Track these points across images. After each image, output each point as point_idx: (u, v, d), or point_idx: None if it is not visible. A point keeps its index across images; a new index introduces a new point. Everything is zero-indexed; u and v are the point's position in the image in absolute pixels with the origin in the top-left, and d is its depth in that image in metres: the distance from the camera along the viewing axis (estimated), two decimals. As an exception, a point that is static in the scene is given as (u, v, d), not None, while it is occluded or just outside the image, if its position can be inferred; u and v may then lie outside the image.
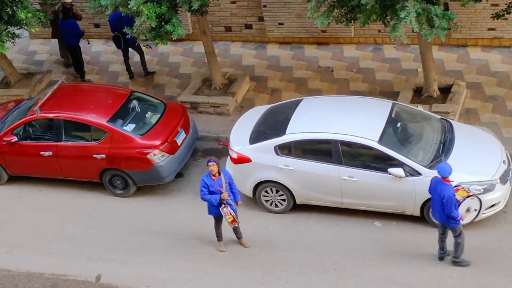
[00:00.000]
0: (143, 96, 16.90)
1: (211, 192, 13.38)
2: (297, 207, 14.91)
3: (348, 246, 14.00)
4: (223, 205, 13.43)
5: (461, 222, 12.62)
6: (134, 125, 15.83)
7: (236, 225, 13.73)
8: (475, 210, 12.92)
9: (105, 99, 16.41)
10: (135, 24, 15.38)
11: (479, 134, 14.85)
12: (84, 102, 16.33)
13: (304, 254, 13.96)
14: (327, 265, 13.64)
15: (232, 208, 13.54)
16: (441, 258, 13.30)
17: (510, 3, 15.55)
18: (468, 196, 12.56)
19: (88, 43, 20.35)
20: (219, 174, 13.39)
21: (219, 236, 14.13)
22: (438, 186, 12.44)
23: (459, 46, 18.81)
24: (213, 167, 13.26)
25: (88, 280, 14.03)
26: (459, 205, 12.44)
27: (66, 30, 19.65)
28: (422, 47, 16.31)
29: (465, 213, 12.64)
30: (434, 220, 13.34)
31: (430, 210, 13.27)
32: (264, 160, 14.56)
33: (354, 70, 18.82)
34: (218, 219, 13.84)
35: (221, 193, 13.36)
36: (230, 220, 13.49)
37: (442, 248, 13.19)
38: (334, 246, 14.05)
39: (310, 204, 14.77)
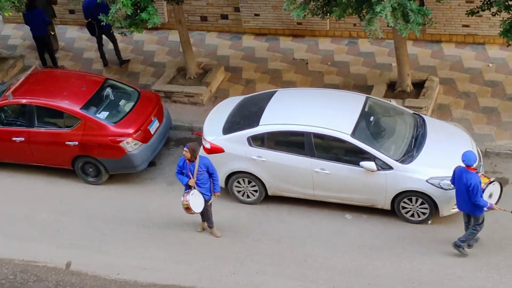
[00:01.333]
0: (117, 84, 16.83)
1: (182, 173, 13.56)
2: (269, 199, 14.94)
3: (319, 238, 14.07)
4: (188, 190, 13.50)
5: (494, 208, 12.60)
6: (107, 112, 15.76)
7: (192, 213, 13.70)
8: (496, 195, 12.92)
9: (78, 86, 16.29)
10: (111, 11, 15.30)
11: (451, 130, 14.97)
12: (57, 88, 16.21)
13: (275, 245, 14.01)
14: (298, 257, 13.70)
15: (205, 198, 13.60)
16: (470, 245, 13.33)
17: (484, 0, 15.66)
18: (490, 182, 12.63)
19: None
20: (193, 160, 13.42)
21: (209, 223, 14.27)
22: (464, 175, 12.41)
23: (433, 42, 18.94)
24: (186, 153, 13.33)
25: (58, 267, 13.99)
26: (483, 192, 12.44)
27: (34, 20, 19.30)
28: (396, 42, 16.40)
29: (488, 199, 12.64)
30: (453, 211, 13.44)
31: (456, 202, 12.97)
32: (237, 151, 14.58)
33: (329, 63, 18.87)
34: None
35: (190, 178, 13.46)
36: (184, 207, 13.53)
37: None
38: (305, 237, 14.12)
39: (282, 195, 14.82)
